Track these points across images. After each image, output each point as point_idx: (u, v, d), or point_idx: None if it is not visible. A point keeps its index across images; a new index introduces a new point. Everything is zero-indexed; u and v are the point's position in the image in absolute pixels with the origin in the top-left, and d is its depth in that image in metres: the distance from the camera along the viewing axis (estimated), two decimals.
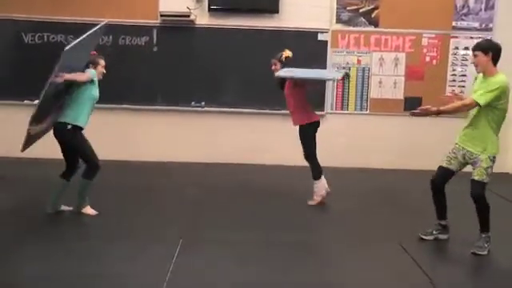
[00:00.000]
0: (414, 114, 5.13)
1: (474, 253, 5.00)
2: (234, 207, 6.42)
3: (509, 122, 8.88)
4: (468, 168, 5.14)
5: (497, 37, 8.68)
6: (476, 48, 5.03)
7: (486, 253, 5.00)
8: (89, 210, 5.88)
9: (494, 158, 5.00)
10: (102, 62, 6.09)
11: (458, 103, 5.08)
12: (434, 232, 5.41)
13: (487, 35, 8.73)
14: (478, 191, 4.95)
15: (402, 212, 6.37)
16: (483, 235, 5.05)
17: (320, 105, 8.83)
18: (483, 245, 5.03)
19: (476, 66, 5.04)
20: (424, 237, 5.41)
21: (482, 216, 5.01)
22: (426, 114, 5.05)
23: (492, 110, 4.92)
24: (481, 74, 5.11)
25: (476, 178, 4.96)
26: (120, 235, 5.30)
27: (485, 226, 5.04)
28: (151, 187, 7.24)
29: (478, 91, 4.91)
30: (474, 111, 5.01)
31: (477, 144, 5.00)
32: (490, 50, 4.95)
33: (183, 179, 7.69)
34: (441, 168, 5.26)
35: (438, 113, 5.02)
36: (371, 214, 6.25)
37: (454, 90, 8.33)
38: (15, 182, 7.23)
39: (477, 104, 4.86)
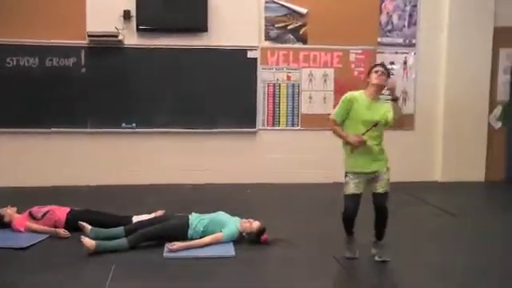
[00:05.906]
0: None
1: (384, 261, 5.07)
2: None
3: (434, 134, 9.24)
4: None
5: (420, 51, 9.07)
6: (389, 73, 5.19)
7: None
8: None
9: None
10: None
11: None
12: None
13: (411, 50, 9.07)
14: (386, 201, 5.06)
15: (336, 225, 6.40)
16: (381, 242, 5.18)
17: (251, 121, 8.90)
18: (386, 250, 5.15)
19: (389, 89, 4.99)
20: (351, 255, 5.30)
21: (385, 225, 5.12)
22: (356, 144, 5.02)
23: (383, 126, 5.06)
24: (363, 96, 5.11)
25: (382, 190, 5.02)
26: (53, 264, 5.11)
27: (384, 233, 5.16)
28: None
29: (390, 113, 5.00)
30: (371, 132, 5.02)
31: (380, 160, 5.08)
32: None
33: (118, 202, 7.54)
34: (354, 196, 5.05)
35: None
36: (305, 229, 6.27)
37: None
38: None
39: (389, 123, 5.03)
